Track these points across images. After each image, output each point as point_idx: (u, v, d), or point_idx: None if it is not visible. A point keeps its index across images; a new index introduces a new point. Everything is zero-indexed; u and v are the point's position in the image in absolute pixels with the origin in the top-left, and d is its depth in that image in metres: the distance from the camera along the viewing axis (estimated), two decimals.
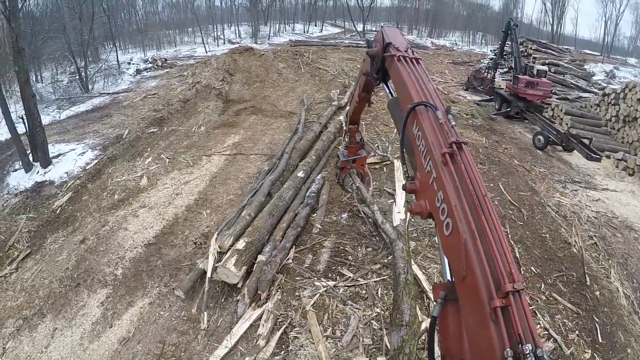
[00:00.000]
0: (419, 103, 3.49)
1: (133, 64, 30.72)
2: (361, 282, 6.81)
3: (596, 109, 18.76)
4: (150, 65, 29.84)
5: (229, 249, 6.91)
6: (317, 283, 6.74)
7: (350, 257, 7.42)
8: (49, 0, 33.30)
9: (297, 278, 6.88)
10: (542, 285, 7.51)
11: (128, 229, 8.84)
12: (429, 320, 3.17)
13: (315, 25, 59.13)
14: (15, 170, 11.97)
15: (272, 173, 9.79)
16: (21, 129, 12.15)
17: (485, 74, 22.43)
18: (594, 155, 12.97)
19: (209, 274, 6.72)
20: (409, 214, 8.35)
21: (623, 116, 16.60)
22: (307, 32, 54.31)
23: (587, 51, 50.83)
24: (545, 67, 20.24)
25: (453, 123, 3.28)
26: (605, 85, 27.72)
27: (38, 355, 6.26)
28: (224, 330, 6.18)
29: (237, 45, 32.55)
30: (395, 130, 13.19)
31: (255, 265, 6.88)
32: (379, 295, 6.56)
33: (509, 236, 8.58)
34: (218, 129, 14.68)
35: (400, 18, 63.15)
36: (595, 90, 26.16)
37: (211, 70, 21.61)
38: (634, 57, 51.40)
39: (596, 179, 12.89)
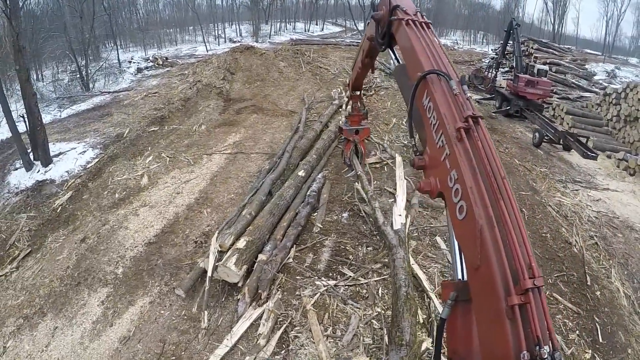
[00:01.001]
0: (430, 71, 3.19)
1: (134, 62, 30.68)
2: (362, 282, 6.81)
3: (597, 109, 18.75)
4: (151, 64, 29.81)
5: (229, 248, 6.90)
6: (317, 282, 6.74)
7: (350, 256, 7.42)
8: None
9: (297, 277, 6.88)
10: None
11: (129, 228, 8.83)
12: (437, 322, 2.91)
13: (316, 24, 59.09)
14: (16, 169, 11.96)
15: (272, 172, 9.78)
16: (22, 127, 12.14)
17: (486, 72, 22.51)
18: (590, 153, 12.99)
19: (209, 273, 6.72)
20: (409, 217, 8.29)
21: (624, 116, 16.59)
22: (308, 31, 54.24)
23: (589, 51, 50.74)
24: (546, 67, 20.29)
25: (468, 95, 3.00)
26: (606, 85, 27.65)
27: (38, 354, 6.27)
28: (224, 329, 6.18)
29: (238, 44, 32.50)
30: (395, 131, 13.24)
31: (256, 264, 6.87)
32: (380, 295, 6.55)
33: None
34: (219, 127, 14.67)
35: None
36: (597, 90, 26.13)
37: (212, 69, 21.60)
38: (635, 57, 51.31)
39: (597, 179, 12.88)
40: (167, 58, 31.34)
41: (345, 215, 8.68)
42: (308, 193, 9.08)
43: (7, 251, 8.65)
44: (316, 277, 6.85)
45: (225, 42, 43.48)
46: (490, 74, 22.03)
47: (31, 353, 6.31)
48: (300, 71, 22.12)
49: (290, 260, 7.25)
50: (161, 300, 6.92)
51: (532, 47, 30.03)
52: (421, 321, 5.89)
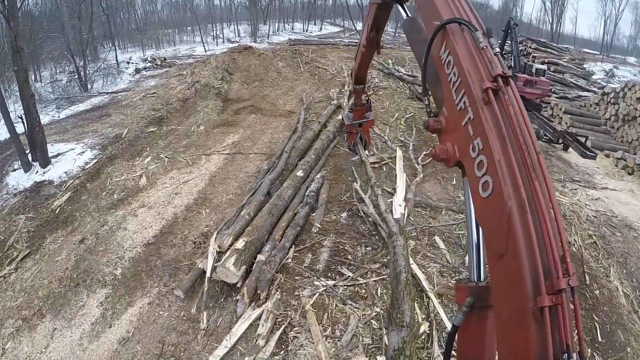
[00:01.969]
0: (451, 20, 2.77)
1: (132, 63, 30.66)
2: (360, 282, 6.81)
3: (595, 108, 18.77)
4: (149, 64, 29.78)
5: (228, 249, 6.90)
6: (316, 282, 6.73)
7: (349, 257, 7.42)
8: None
9: (296, 277, 6.87)
10: None
11: (127, 229, 8.82)
12: (450, 330, 2.61)
13: (315, 24, 59.07)
14: (15, 170, 11.95)
15: (271, 172, 9.78)
16: (20, 128, 12.14)
17: None
18: (588, 152, 13.01)
19: (208, 274, 6.72)
20: (406, 209, 8.30)
21: (622, 115, 16.61)
22: (307, 31, 54.24)
23: (587, 50, 50.84)
24: (544, 66, 20.27)
25: (497, 50, 2.59)
26: (604, 84, 27.71)
27: (37, 356, 6.26)
28: (223, 330, 6.18)
29: (236, 44, 32.48)
30: (394, 131, 13.24)
31: (255, 264, 6.87)
32: (379, 295, 6.55)
33: None
34: (217, 128, 14.66)
35: (399, 17, 62.92)
36: (595, 89, 26.16)
37: (210, 69, 21.56)
38: (634, 56, 51.46)
39: (595, 178, 12.88)
40: (165, 58, 31.31)
41: (344, 215, 8.67)
42: (307, 193, 9.07)
43: (6, 252, 8.64)
44: (315, 278, 6.85)
45: (223, 42, 43.50)
46: None
47: (30, 354, 6.31)
48: (299, 71, 22.10)
49: (289, 260, 7.24)
50: (160, 301, 6.92)
51: (530, 47, 30.06)
52: (420, 321, 5.91)
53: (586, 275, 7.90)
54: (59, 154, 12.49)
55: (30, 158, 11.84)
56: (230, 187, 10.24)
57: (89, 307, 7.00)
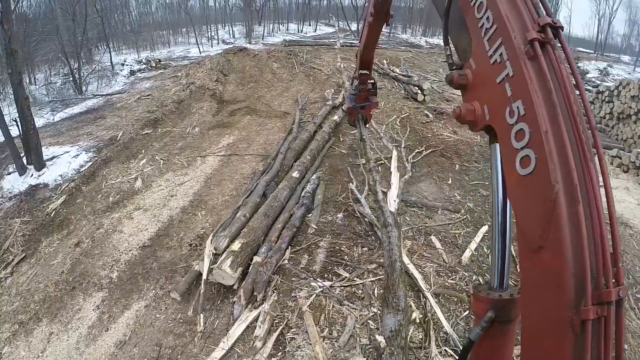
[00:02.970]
0: None
1: (127, 65, 30.55)
2: (357, 282, 6.82)
3: (590, 107, 18.86)
4: (144, 66, 29.68)
5: (224, 251, 6.89)
6: (313, 283, 6.74)
7: (346, 257, 7.43)
8: (42, 1, 33.14)
9: (293, 279, 6.88)
10: None
11: (123, 232, 8.80)
12: (465, 343, 2.39)
13: (309, 25, 59.04)
14: (9, 173, 11.88)
15: (266, 173, 9.78)
16: (15, 131, 12.07)
17: None
18: None
19: (204, 276, 6.71)
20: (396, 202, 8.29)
21: (617, 113, 16.71)
22: (301, 31, 54.22)
23: (581, 49, 51.13)
24: None
25: None
26: (599, 82, 27.84)
27: None
28: (220, 332, 6.17)
29: (231, 46, 32.46)
30: (389, 130, 13.26)
31: (251, 266, 6.87)
32: (376, 295, 6.56)
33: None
34: (212, 129, 14.64)
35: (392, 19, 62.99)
36: (589, 87, 26.30)
37: (205, 70, 21.54)
38: (628, 54, 51.80)
39: None
40: (160, 60, 31.23)
41: (340, 216, 8.69)
42: (302, 194, 9.08)
43: (1, 257, 8.60)
44: (312, 279, 6.85)
45: (218, 43, 43.37)
46: None
47: (27, 359, 6.28)
48: (294, 72, 22.11)
49: (286, 261, 7.24)
50: (157, 304, 6.91)
51: None
52: (417, 321, 5.93)
53: None
54: (54, 157, 12.44)
55: (25, 161, 11.78)
56: (225, 189, 10.23)
57: (86, 310, 6.98)
